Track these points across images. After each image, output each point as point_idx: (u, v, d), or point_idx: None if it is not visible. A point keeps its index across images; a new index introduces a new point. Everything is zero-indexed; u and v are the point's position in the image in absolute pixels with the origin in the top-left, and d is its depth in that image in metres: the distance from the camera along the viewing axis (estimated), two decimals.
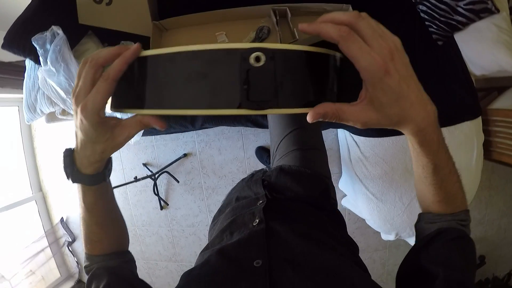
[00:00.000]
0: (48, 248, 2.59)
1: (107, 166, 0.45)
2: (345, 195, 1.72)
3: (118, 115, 0.88)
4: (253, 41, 1.12)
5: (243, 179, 0.83)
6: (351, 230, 1.96)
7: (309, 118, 0.34)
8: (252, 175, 0.82)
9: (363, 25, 0.31)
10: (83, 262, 0.53)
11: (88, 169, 0.42)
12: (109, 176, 0.47)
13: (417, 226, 0.52)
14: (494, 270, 1.95)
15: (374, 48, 0.30)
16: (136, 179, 2.17)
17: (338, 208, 0.75)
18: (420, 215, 0.52)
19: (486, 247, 1.97)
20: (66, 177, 0.42)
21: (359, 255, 0.58)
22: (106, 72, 0.35)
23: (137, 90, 0.37)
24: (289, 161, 0.77)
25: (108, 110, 0.39)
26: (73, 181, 0.43)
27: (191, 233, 2.32)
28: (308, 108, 0.35)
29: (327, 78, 0.37)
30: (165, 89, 0.35)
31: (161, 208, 2.29)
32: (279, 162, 0.80)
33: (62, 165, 0.42)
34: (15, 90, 2.08)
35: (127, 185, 2.26)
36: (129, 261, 0.57)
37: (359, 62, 0.31)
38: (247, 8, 1.10)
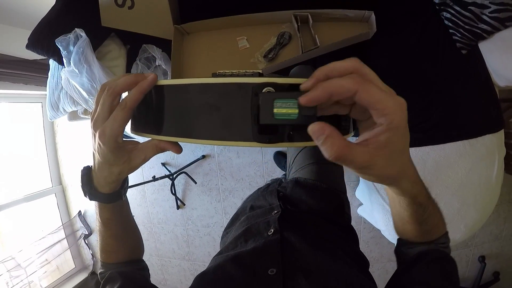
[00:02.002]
0: (65, 240, 2.68)
1: (123, 185, 0.47)
2: (361, 204, 1.70)
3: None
4: (274, 46, 1.13)
5: (258, 189, 0.83)
6: (365, 239, 1.94)
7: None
8: (268, 185, 0.82)
9: (367, 70, 0.29)
10: (98, 269, 0.55)
11: (105, 189, 0.43)
12: (125, 194, 0.49)
13: (397, 251, 0.52)
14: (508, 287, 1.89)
15: (386, 91, 0.28)
16: (154, 179, 2.21)
17: (353, 216, 0.76)
18: (399, 240, 0.52)
19: (502, 263, 1.90)
20: (83, 194, 0.44)
21: (371, 268, 0.59)
22: (123, 101, 0.37)
23: (153, 117, 0.39)
24: (305, 174, 0.77)
25: (129, 132, 0.41)
26: (90, 199, 0.44)
27: (206, 233, 2.34)
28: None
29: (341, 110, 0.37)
30: (180, 118, 0.36)
31: (178, 207, 2.33)
32: (295, 175, 0.80)
33: (79, 183, 0.44)
34: (39, 87, 2.16)
35: (146, 184, 2.31)
36: (143, 268, 0.58)
37: (384, 103, 0.27)
38: (269, 14, 1.10)
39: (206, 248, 2.38)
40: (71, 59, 1.12)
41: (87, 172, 0.44)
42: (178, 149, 0.40)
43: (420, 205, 0.40)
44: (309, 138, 0.33)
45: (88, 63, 1.13)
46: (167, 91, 0.37)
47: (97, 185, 0.43)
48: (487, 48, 1.05)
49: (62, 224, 2.70)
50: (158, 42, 1.22)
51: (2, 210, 2.36)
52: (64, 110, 1.42)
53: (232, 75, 0.40)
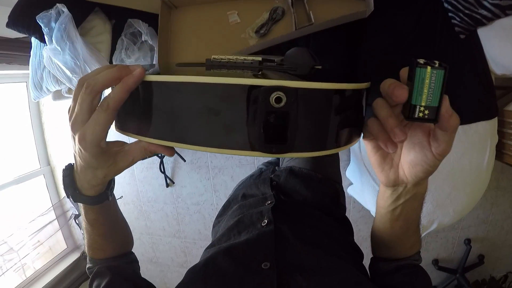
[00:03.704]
0: (56, 221, 2.67)
1: (109, 186, 0.44)
2: (351, 183, 1.71)
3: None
4: (266, 22, 1.08)
5: (251, 175, 0.81)
6: (355, 219, 1.97)
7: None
8: (261, 172, 0.80)
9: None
10: (86, 264, 0.53)
11: (90, 191, 0.40)
12: (112, 195, 0.46)
13: (373, 267, 0.54)
14: (492, 271, 1.97)
15: None
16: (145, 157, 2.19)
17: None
18: (374, 258, 0.54)
19: (486, 247, 1.96)
20: (66, 196, 0.41)
21: (361, 245, 0.59)
22: (105, 101, 0.32)
23: (141, 116, 0.34)
24: (300, 163, 0.75)
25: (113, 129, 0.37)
26: (74, 201, 0.41)
27: (196, 211, 2.36)
28: (330, 150, 0.32)
29: (352, 114, 0.34)
30: (172, 121, 0.32)
31: (167, 185, 2.33)
32: (289, 163, 0.78)
33: (62, 185, 0.41)
34: (22, 66, 2.07)
35: None
36: (132, 261, 0.56)
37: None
38: None
39: (196, 226, 2.40)
40: (53, 36, 1.06)
41: (69, 173, 0.40)
42: (171, 152, 0.36)
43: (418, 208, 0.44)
44: (319, 147, 0.32)
45: (71, 40, 1.07)
46: (157, 89, 0.32)
47: (80, 188, 0.40)
48: (486, 34, 1.02)
49: (52, 205, 2.67)
50: (145, 16, 1.16)
51: None
52: (48, 89, 1.37)
53: (229, 63, 0.37)
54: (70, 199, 0.41)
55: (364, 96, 0.35)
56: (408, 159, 0.37)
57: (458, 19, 0.99)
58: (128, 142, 0.40)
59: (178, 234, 2.48)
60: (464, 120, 1.06)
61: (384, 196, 0.44)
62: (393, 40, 1.07)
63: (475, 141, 1.08)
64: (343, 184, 0.79)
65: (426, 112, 0.29)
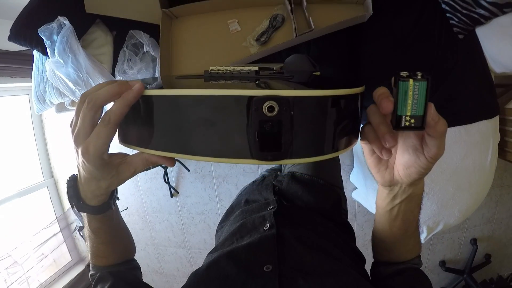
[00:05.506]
0: (60, 233, 2.66)
1: (112, 195, 0.45)
2: (355, 188, 1.70)
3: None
4: (267, 29, 1.09)
5: (254, 181, 0.82)
6: (360, 223, 1.96)
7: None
8: (264, 178, 0.81)
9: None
10: (89, 271, 0.53)
11: (93, 201, 0.41)
12: (115, 204, 0.47)
13: (374, 271, 0.54)
14: (499, 270, 1.95)
15: None
16: (147, 168, 2.18)
17: (348, 200, 0.77)
18: (375, 263, 0.55)
19: (492, 245, 1.95)
20: (70, 206, 0.42)
21: (365, 251, 0.60)
22: (106, 115, 0.33)
23: (142, 129, 0.36)
24: (302, 168, 0.75)
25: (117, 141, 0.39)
26: (78, 211, 0.42)
27: (201, 220, 2.35)
28: (326, 155, 0.33)
29: (347, 119, 0.35)
30: (171, 132, 0.33)
31: (171, 195, 2.33)
32: (291, 169, 0.78)
33: (66, 195, 0.42)
34: (25, 79, 2.09)
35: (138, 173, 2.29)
36: (134, 268, 0.57)
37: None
38: None
39: (201, 235, 2.39)
40: (55, 49, 1.07)
41: (73, 184, 0.41)
42: (172, 162, 0.38)
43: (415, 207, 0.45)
44: (314, 152, 0.32)
45: (73, 52, 1.08)
46: (156, 102, 0.34)
47: (84, 198, 0.41)
48: (484, 33, 1.03)
49: (56, 218, 2.67)
50: (146, 27, 1.17)
51: None
52: (51, 102, 1.38)
53: (226, 74, 0.38)
54: (74, 209, 0.42)
55: (359, 100, 0.36)
56: (403, 161, 0.39)
57: (456, 19, 1.00)
58: (130, 154, 0.41)
59: (184, 244, 2.47)
60: (466, 120, 1.07)
61: (382, 196, 0.46)
62: (392, 43, 1.08)
63: (477, 140, 1.09)
64: (347, 189, 0.79)
65: (412, 121, 0.32)
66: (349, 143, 0.36)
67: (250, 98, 0.29)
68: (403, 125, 0.32)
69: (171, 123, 0.33)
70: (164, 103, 0.33)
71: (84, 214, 0.45)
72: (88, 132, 0.34)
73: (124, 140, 0.39)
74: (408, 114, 0.31)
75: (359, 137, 0.39)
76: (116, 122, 0.34)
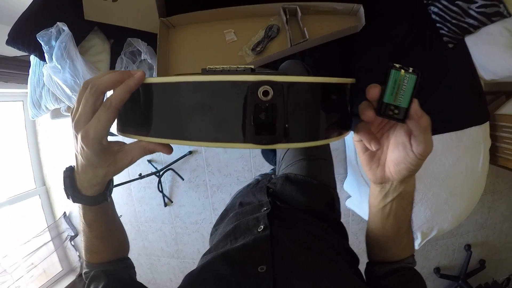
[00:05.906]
0: (51, 242, 2.61)
1: (108, 186, 0.45)
2: (349, 196, 1.71)
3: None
4: (262, 39, 1.11)
5: (248, 185, 0.82)
6: (354, 231, 1.96)
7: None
8: (258, 181, 0.81)
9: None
10: (83, 269, 0.53)
11: (89, 191, 0.42)
12: (110, 196, 0.47)
13: (368, 271, 0.55)
14: (494, 275, 1.95)
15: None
16: (141, 176, 2.16)
17: (342, 208, 0.77)
18: (369, 263, 0.56)
19: (486, 251, 1.96)
20: (66, 197, 0.42)
21: (360, 258, 0.60)
22: (108, 100, 0.34)
23: (141, 117, 0.36)
24: (295, 170, 0.76)
25: (114, 131, 0.39)
26: (74, 201, 0.42)
27: (195, 230, 2.32)
28: (319, 141, 0.34)
29: (338, 107, 0.37)
30: (170, 119, 0.34)
31: (165, 205, 2.30)
32: (285, 170, 0.79)
33: (62, 185, 0.42)
34: (19, 85, 2.08)
35: (131, 182, 2.27)
36: (128, 266, 0.57)
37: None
38: (257, 6, 1.09)
39: (195, 245, 2.36)
40: (53, 54, 1.08)
41: (69, 174, 0.41)
42: (169, 150, 0.38)
43: (408, 205, 0.46)
44: (308, 137, 0.34)
45: (71, 58, 1.09)
46: (156, 90, 0.35)
47: (80, 188, 0.41)
48: (473, 42, 1.07)
49: (48, 226, 2.62)
50: (143, 35, 1.19)
51: None
52: (47, 108, 1.37)
53: (223, 71, 0.39)
54: (69, 199, 0.42)
55: (349, 90, 0.38)
56: (393, 158, 0.40)
57: (446, 29, 1.03)
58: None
59: (177, 254, 2.42)
60: (458, 126, 1.09)
61: (374, 194, 0.47)
62: (384, 52, 1.11)
63: (469, 145, 1.11)
64: (341, 198, 0.81)
65: (396, 111, 0.33)
66: (341, 131, 0.38)
67: (246, 82, 0.30)
68: (386, 112, 0.34)
69: (169, 110, 0.34)
70: (164, 90, 0.34)
71: (80, 207, 0.44)
72: (89, 117, 0.35)
73: (122, 130, 0.39)
74: (394, 103, 0.33)
75: (352, 128, 0.41)
76: (117, 107, 0.34)
